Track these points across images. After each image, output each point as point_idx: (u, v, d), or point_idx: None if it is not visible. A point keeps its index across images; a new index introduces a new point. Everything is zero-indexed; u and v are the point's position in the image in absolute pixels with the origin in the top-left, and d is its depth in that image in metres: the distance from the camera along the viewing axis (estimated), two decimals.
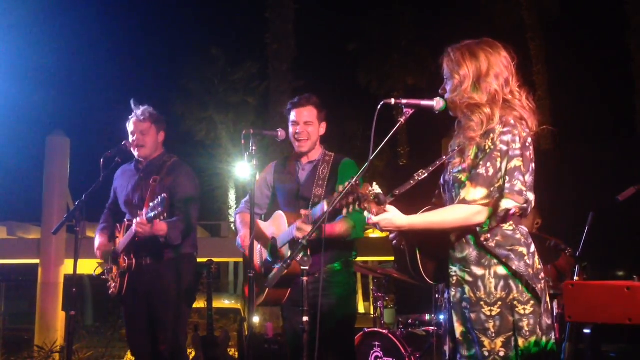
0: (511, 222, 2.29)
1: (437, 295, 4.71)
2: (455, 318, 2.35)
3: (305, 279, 2.43)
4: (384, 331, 4.51)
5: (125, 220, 3.91)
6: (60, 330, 9.72)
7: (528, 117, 2.34)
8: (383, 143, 2.48)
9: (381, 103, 2.45)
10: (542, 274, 2.28)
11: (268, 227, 3.41)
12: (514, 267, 2.24)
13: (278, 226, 3.30)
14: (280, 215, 3.30)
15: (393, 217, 2.30)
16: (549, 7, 16.53)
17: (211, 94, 22.38)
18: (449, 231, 2.33)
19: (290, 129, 3.44)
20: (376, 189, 2.27)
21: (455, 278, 2.34)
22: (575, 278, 3.81)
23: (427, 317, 4.78)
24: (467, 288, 2.30)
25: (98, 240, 4.04)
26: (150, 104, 4.02)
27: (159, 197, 3.47)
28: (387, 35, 21.43)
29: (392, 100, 2.46)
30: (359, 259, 3.65)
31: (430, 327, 4.59)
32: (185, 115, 21.88)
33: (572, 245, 3.87)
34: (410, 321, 4.87)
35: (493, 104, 2.32)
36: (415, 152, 21.07)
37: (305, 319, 2.43)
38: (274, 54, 13.21)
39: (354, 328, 3.41)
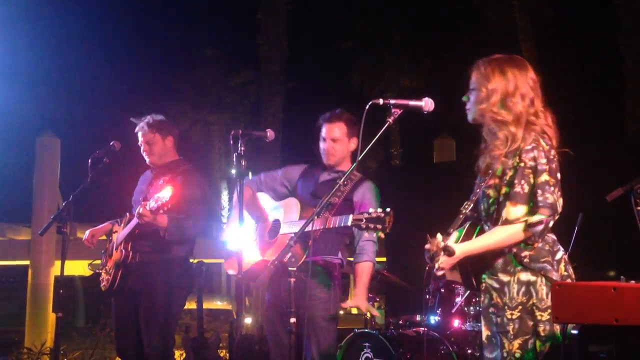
0: None
1: (427, 296, 4.71)
2: (483, 322, 2.50)
3: (292, 280, 2.42)
4: (374, 332, 4.50)
5: (127, 214, 3.95)
6: (50, 332, 9.64)
7: (551, 135, 2.45)
8: (371, 144, 2.50)
9: (369, 103, 2.47)
10: (569, 280, 2.39)
11: (274, 207, 3.44)
12: (554, 278, 2.35)
13: (289, 212, 3.31)
14: (294, 203, 3.33)
15: (454, 253, 2.38)
16: (541, 9, 16.60)
17: (204, 95, 22.34)
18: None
19: (320, 144, 3.51)
20: (440, 238, 2.35)
21: (484, 284, 2.48)
22: None
23: (418, 317, 4.78)
24: (494, 294, 2.43)
25: (101, 225, 4.12)
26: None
27: (165, 189, 3.53)
28: (380, 36, 21.45)
29: (381, 101, 2.48)
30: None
31: (421, 328, 4.59)
32: (178, 117, 21.81)
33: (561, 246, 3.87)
34: (400, 322, 4.86)
35: (518, 124, 2.42)
36: (408, 153, 21.12)
37: (292, 320, 2.42)
38: (266, 55, 13.23)
39: (335, 330, 3.41)
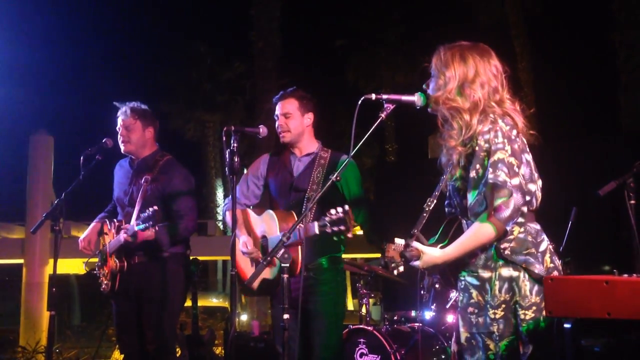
0: (521, 223, 2.27)
1: (422, 292, 4.72)
2: (461, 323, 2.38)
3: (285, 276, 2.42)
4: (369, 328, 4.50)
5: (116, 220, 3.91)
6: (45, 330, 9.62)
7: (516, 119, 2.33)
8: (363, 139, 2.49)
9: (362, 98, 2.46)
10: (555, 272, 2.27)
11: (258, 224, 3.37)
12: (536, 271, 2.23)
13: (269, 226, 3.25)
14: (271, 216, 3.25)
15: (430, 258, 2.31)
16: (533, 4, 16.59)
17: (198, 92, 22.31)
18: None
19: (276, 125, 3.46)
20: (400, 242, 2.29)
21: (463, 283, 2.38)
22: None
23: (413, 313, 4.79)
24: (474, 292, 2.33)
25: (89, 228, 4.03)
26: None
27: (151, 210, 3.46)
28: (374, 32, 21.45)
29: (373, 96, 2.47)
30: (347, 255, 3.63)
31: (416, 324, 4.60)
32: (172, 114, 21.78)
33: (555, 240, 3.88)
34: (395, 317, 4.87)
35: (474, 111, 2.31)
36: (403, 149, 21.15)
37: (285, 316, 2.42)
38: (260, 52, 13.15)
39: (342, 326, 3.39)
